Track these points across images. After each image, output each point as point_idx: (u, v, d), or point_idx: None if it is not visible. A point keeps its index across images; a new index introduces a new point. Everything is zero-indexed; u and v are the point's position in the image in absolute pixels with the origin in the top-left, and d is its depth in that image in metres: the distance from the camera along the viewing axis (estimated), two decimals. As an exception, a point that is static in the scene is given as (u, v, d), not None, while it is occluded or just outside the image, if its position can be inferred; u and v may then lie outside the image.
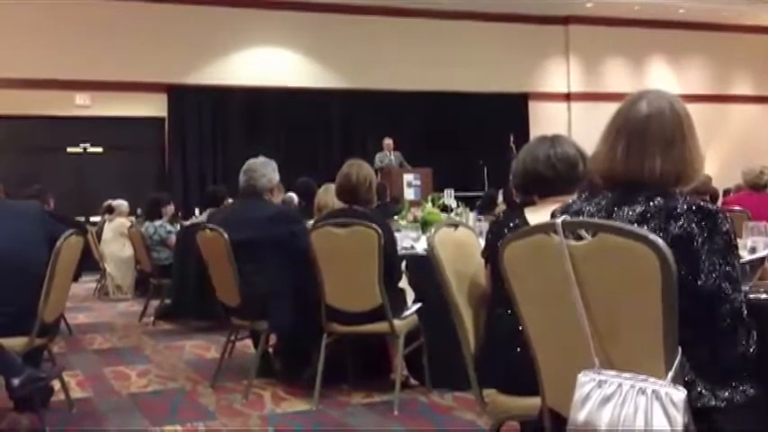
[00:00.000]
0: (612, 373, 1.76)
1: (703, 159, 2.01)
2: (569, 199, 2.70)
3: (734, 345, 1.85)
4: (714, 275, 1.82)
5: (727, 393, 1.82)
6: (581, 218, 2.01)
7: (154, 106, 14.26)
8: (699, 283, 1.82)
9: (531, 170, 2.74)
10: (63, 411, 4.20)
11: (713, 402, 1.81)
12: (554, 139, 2.79)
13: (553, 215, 2.11)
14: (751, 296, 2.00)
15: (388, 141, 13.17)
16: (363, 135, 14.95)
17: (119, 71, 13.57)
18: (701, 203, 1.88)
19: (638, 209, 1.92)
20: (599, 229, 1.82)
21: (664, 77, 17.11)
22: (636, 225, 1.87)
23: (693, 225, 1.83)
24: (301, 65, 15.04)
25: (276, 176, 4.87)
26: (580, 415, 1.75)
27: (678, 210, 1.86)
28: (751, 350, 1.86)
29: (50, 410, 4.13)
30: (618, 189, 2.01)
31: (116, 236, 9.78)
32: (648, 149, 1.96)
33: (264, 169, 4.80)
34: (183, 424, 4.03)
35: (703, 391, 1.81)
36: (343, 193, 4.46)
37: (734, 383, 1.84)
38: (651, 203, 1.91)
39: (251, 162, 4.84)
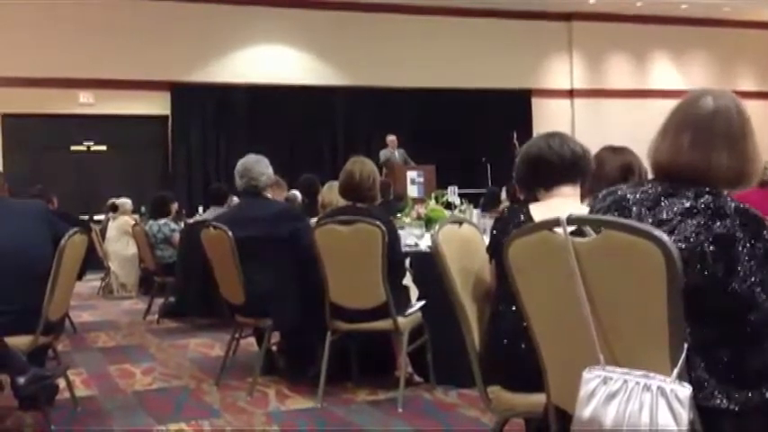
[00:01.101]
0: (618, 369, 1.75)
1: (762, 161, 2.01)
2: (571, 192, 2.72)
3: (758, 354, 1.84)
4: (749, 281, 1.80)
5: (742, 396, 1.81)
6: (626, 204, 1.99)
7: (157, 104, 14.29)
8: (733, 285, 1.80)
9: (535, 156, 2.74)
10: (68, 410, 4.22)
11: (725, 404, 1.79)
12: (556, 134, 2.80)
13: (596, 197, 2.09)
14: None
15: (391, 138, 13.16)
16: (367, 132, 14.95)
17: (122, 69, 13.59)
18: (750, 208, 1.86)
19: (686, 203, 1.89)
20: (604, 225, 1.82)
21: (667, 74, 17.11)
22: (679, 218, 1.86)
23: (737, 227, 1.81)
24: (304, 62, 15.04)
25: (271, 171, 4.90)
26: (585, 412, 1.74)
27: (725, 210, 1.84)
28: None
29: (55, 409, 4.14)
30: (668, 181, 1.99)
31: (120, 234, 9.80)
32: (716, 143, 1.95)
33: (260, 167, 4.82)
34: (188, 422, 4.04)
35: (716, 391, 1.79)
36: (347, 191, 4.46)
37: (751, 387, 1.83)
38: (700, 200, 1.88)
39: (245, 162, 4.85)
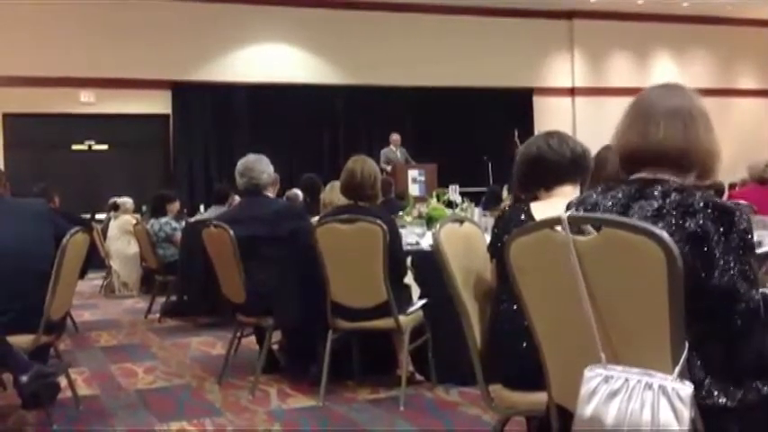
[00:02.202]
0: (619, 368, 1.76)
1: (720, 157, 2.02)
2: (571, 190, 2.72)
3: (749, 344, 1.84)
4: (729, 274, 1.80)
5: (739, 393, 1.81)
6: (598, 211, 2.00)
7: (158, 103, 14.28)
8: (714, 280, 1.80)
9: (534, 156, 2.75)
10: (70, 408, 4.22)
11: (724, 401, 1.79)
12: (554, 134, 2.80)
13: (569, 207, 2.10)
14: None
15: (395, 137, 13.16)
16: (368, 131, 14.95)
17: (123, 68, 13.59)
18: (719, 201, 1.87)
19: (655, 204, 1.90)
20: (604, 224, 1.82)
21: (668, 72, 17.08)
22: (651, 220, 1.86)
23: (710, 222, 1.81)
24: (305, 61, 15.03)
25: (272, 170, 4.91)
26: (587, 410, 1.75)
27: (695, 206, 1.84)
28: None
29: (57, 407, 4.14)
30: (635, 183, 2.00)
31: (121, 233, 9.81)
32: (687, 128, 1.97)
33: (261, 165, 4.84)
34: (190, 420, 4.04)
35: (714, 388, 1.80)
36: (348, 190, 4.46)
37: (748, 382, 1.83)
38: (668, 199, 1.89)
39: (246, 162, 4.86)
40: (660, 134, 1.97)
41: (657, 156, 1.97)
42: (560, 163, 2.72)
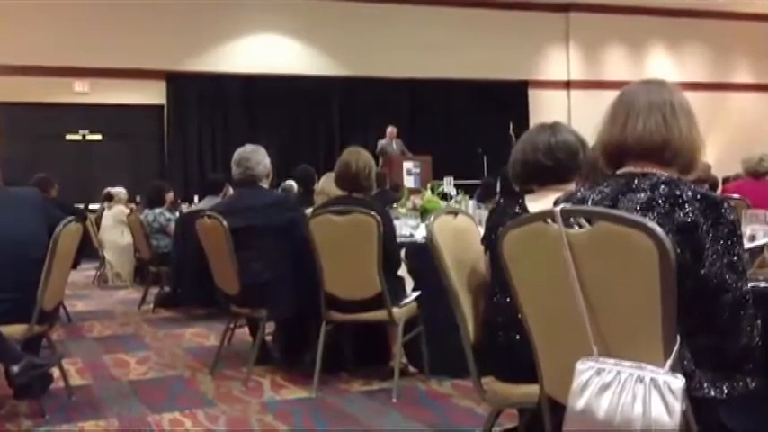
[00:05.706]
0: (611, 360, 1.76)
1: (703, 149, 2.03)
2: (568, 187, 2.71)
3: (737, 335, 1.84)
4: (717, 264, 1.81)
5: (727, 384, 1.82)
6: (584, 206, 2.00)
7: (153, 93, 14.25)
8: (702, 271, 1.81)
9: (530, 159, 2.74)
10: (62, 398, 4.21)
11: (713, 393, 1.80)
12: (553, 127, 2.78)
13: (556, 204, 2.10)
14: (750, 284, 1.99)
15: (391, 129, 13.16)
16: (363, 122, 14.93)
17: (118, 58, 13.55)
18: (707, 192, 1.88)
19: (643, 196, 1.91)
20: (597, 217, 1.82)
21: (663, 65, 17.09)
22: (641, 213, 1.86)
23: (698, 213, 1.82)
24: (301, 52, 15.01)
25: (268, 161, 4.90)
26: (578, 403, 1.75)
27: (683, 198, 1.85)
28: (755, 341, 1.86)
29: (50, 397, 4.13)
30: (623, 177, 2.01)
31: (115, 223, 9.79)
32: (668, 121, 1.98)
33: (258, 156, 4.82)
34: (183, 411, 4.04)
35: (704, 381, 1.80)
36: (343, 181, 4.46)
37: (736, 374, 1.84)
38: (656, 191, 1.90)
39: (242, 152, 4.85)
40: (640, 127, 1.97)
41: (638, 150, 1.98)
42: (555, 166, 2.70)
